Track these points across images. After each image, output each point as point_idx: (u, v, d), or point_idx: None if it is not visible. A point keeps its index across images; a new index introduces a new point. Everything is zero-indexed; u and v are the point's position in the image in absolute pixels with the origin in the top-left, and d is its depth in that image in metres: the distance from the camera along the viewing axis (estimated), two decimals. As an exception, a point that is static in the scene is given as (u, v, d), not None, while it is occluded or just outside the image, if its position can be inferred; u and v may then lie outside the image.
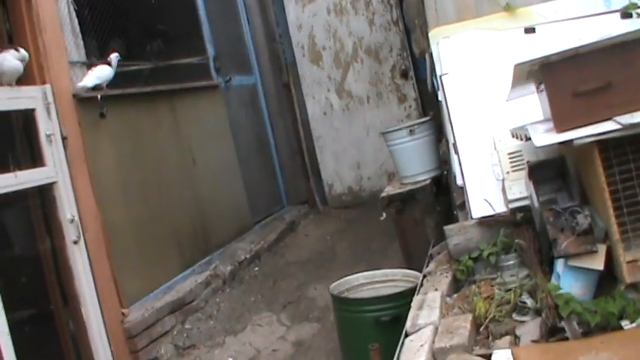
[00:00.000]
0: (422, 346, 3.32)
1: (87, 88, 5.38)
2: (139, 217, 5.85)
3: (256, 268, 7.21)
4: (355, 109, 9.02)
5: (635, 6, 4.34)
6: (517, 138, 3.92)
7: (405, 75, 8.70)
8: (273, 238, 7.86)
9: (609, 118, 3.14)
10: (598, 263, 3.26)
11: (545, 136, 3.24)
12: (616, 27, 4.15)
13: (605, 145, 3.14)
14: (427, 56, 5.29)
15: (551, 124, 3.28)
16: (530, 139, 3.37)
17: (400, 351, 3.40)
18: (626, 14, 4.36)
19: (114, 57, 5.59)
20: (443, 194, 5.71)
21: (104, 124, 5.56)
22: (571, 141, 3.12)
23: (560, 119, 3.19)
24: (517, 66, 3.29)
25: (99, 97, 5.44)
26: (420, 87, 8.45)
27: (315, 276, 6.98)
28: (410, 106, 8.71)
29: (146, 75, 6.42)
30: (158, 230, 6.07)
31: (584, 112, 3.17)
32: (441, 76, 4.57)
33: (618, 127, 3.06)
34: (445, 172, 5.63)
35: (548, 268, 3.61)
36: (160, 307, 5.66)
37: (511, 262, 3.93)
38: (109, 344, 5.15)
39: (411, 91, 8.68)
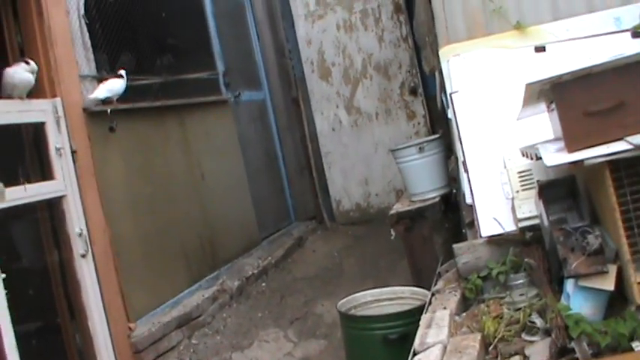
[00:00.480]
0: (430, 364, 3.31)
1: (98, 100, 5.41)
2: (147, 232, 5.85)
3: (263, 284, 7.20)
4: (364, 125, 9.03)
5: (645, 25, 4.35)
6: (527, 157, 3.90)
7: (414, 92, 8.72)
8: (280, 253, 7.85)
9: (621, 138, 3.12)
10: (609, 284, 3.24)
11: (556, 156, 3.23)
12: (627, 46, 4.15)
13: (617, 165, 3.13)
14: (437, 74, 5.30)
15: (562, 144, 3.27)
16: (540, 158, 3.36)
17: (408, 369, 3.39)
18: (636, 33, 4.36)
19: (124, 72, 5.65)
20: (451, 212, 5.70)
21: (114, 138, 5.58)
22: (582, 161, 3.11)
23: (572, 139, 3.18)
24: (528, 85, 3.29)
25: (109, 111, 5.47)
26: (429, 104, 8.47)
27: (322, 292, 6.96)
28: (419, 123, 8.72)
29: (156, 89, 6.43)
30: (166, 244, 6.07)
31: (595, 132, 3.16)
32: (451, 94, 4.57)
33: (630, 147, 3.05)
34: (454, 190, 5.62)
35: (558, 288, 3.59)
36: (166, 321, 5.65)
37: (520, 282, 3.91)
38: (116, 358, 5.14)
39: (420, 108, 8.69)
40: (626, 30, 4.43)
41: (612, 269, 3.24)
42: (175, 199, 6.35)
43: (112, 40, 5.94)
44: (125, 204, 5.65)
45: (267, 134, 9.02)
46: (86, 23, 5.51)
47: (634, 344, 3.10)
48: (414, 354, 3.52)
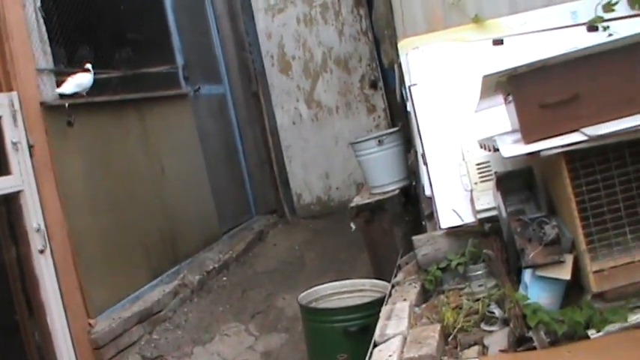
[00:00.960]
0: (390, 356, 3.32)
1: (66, 95, 5.40)
2: (107, 226, 5.81)
3: (225, 278, 7.19)
4: (324, 119, 9.04)
5: (600, 19, 4.39)
6: (485, 149, 3.94)
7: (374, 85, 8.75)
8: (241, 247, 7.85)
9: (576, 130, 3.16)
10: (565, 273, 3.28)
11: (513, 148, 3.26)
12: (582, 40, 4.19)
13: (572, 157, 3.17)
14: (396, 67, 5.31)
15: (518, 136, 3.30)
16: (498, 150, 3.39)
17: (369, 361, 3.41)
18: (592, 27, 4.42)
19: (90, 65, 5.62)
20: (412, 204, 5.73)
21: (72, 133, 5.52)
22: (538, 152, 3.14)
23: (528, 130, 3.22)
24: (485, 77, 3.32)
25: (66, 105, 5.41)
26: (389, 97, 8.49)
27: (283, 286, 6.97)
28: (379, 117, 8.75)
29: (115, 83, 6.38)
30: (126, 239, 6.03)
31: (551, 124, 3.20)
32: (409, 87, 4.58)
33: (585, 138, 3.09)
34: (414, 183, 5.65)
35: (516, 278, 3.62)
36: (127, 317, 5.61)
37: (479, 272, 3.94)
38: (75, 355, 5.10)
39: (380, 102, 8.72)
40: (582, 24, 4.47)
41: (569, 259, 3.28)
42: (135, 194, 6.31)
43: (70, 34, 5.87)
44: (84, 199, 5.60)
45: (227, 128, 8.99)
46: (43, 16, 5.43)
47: (590, 332, 3.15)
48: (375, 345, 3.54)
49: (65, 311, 5.09)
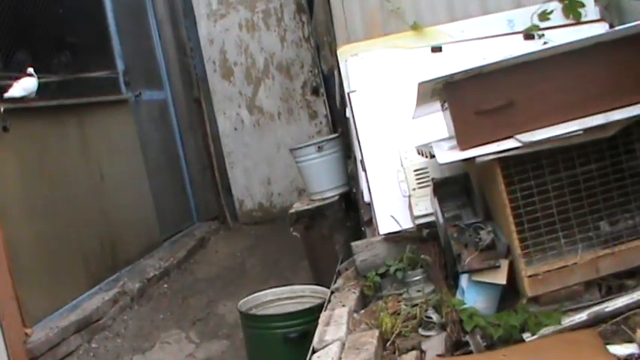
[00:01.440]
0: (329, 362, 3.33)
1: (15, 99, 5.37)
2: (44, 233, 5.70)
3: (165, 285, 7.13)
4: (266, 125, 9.04)
5: (536, 27, 4.48)
6: (423, 155, 3.97)
7: (316, 92, 8.77)
8: (182, 254, 7.79)
9: (511, 136, 3.21)
10: (500, 278, 3.32)
11: (449, 154, 3.29)
12: (519, 47, 4.27)
13: (507, 163, 3.22)
14: (336, 73, 5.34)
15: (454, 142, 3.33)
16: (434, 156, 3.42)
17: (307, 367, 3.40)
18: (528, 35, 4.50)
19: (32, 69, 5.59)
20: (353, 211, 5.74)
21: (8, 138, 5.41)
22: (473, 158, 3.18)
23: (463, 137, 3.25)
24: (421, 84, 3.34)
25: (1, 109, 5.31)
26: (331, 104, 8.50)
27: (224, 293, 6.93)
28: (321, 123, 8.78)
29: (53, 88, 6.27)
30: (64, 246, 5.93)
31: (486, 130, 3.24)
32: (348, 94, 4.60)
33: (519, 144, 3.14)
34: (354, 190, 5.67)
35: (454, 283, 3.66)
36: (65, 325, 5.51)
37: (417, 278, 3.96)
38: (11, 365, 5.01)
39: (322, 108, 8.75)
40: (519, 32, 4.56)
41: (504, 264, 3.32)
42: (74, 201, 6.21)
43: (6, 38, 5.77)
44: (20, 206, 5.50)
45: (168, 134, 8.93)
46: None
47: (525, 335, 3.20)
48: (313, 352, 3.54)
49: (0, 321, 4.99)
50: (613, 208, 3.35)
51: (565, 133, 3.14)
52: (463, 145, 3.24)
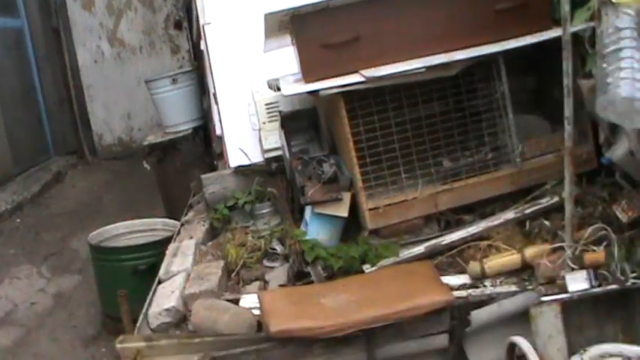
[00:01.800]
0: (173, 292, 3.34)
1: None
2: None
3: (18, 220, 6.99)
4: (127, 58, 8.89)
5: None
6: (273, 89, 3.97)
7: (178, 26, 8.65)
8: (37, 188, 7.64)
9: (356, 71, 3.25)
10: (342, 210, 3.38)
11: (293, 86, 3.31)
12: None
13: (351, 97, 3.26)
14: (193, 6, 5.25)
15: (301, 75, 3.35)
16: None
17: (152, 298, 3.39)
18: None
19: None
20: (211, 145, 5.72)
21: None
22: (317, 91, 3.21)
23: (309, 70, 3.28)
24: (267, 16, 3.32)
25: None
26: (194, 38, 8.39)
27: (80, 227, 6.84)
28: (183, 58, 8.69)
29: None
30: None
31: (332, 64, 3.27)
32: (203, 26, 4.53)
33: (363, 79, 3.18)
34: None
35: (300, 217, 3.71)
36: None
37: (265, 211, 4.00)
38: None
39: (185, 43, 8.66)
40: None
41: (346, 197, 3.38)
42: None
43: None
44: None
45: (24, 65, 8.61)
46: None
47: (365, 267, 3.29)
48: (159, 282, 3.54)
49: None
50: (453, 145, 3.46)
51: (408, 70, 3.20)
52: (308, 77, 3.27)
